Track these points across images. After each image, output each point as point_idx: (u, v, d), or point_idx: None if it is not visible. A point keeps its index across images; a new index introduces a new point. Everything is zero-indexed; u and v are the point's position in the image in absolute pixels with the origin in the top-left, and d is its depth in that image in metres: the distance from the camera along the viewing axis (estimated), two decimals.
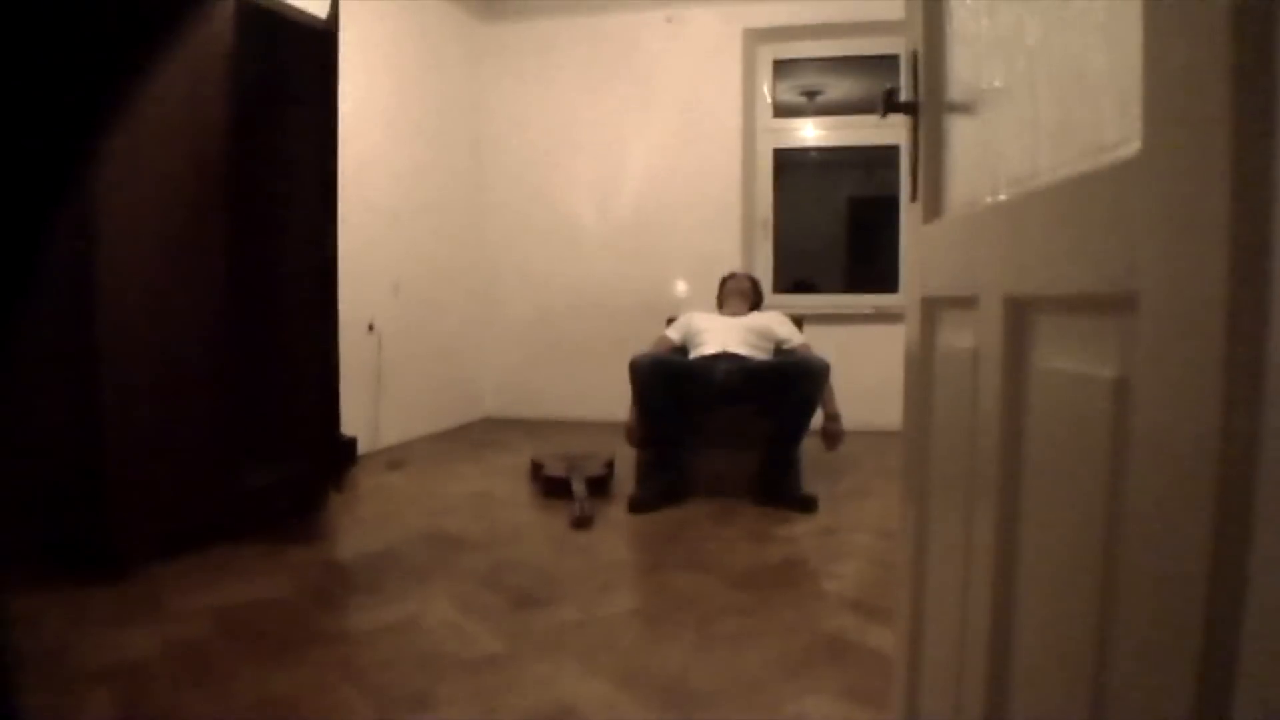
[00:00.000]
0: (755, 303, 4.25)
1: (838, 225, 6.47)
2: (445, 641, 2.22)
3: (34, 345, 2.78)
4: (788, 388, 3.55)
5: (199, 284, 2.93)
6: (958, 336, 1.09)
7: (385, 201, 4.73)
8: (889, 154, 5.36)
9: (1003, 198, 0.95)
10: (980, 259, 0.98)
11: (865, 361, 5.13)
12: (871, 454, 4.63)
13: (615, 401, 5.22)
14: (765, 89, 5.49)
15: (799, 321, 4.21)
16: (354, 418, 4.30)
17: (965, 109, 1.16)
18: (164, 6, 0.31)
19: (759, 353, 3.89)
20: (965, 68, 1.16)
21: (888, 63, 5.31)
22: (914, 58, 1.30)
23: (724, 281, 4.34)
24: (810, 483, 3.76)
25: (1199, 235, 0.51)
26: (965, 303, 1.03)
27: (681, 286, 5.52)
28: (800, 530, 3.30)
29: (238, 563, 2.84)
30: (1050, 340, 0.80)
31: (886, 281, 5.45)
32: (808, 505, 3.50)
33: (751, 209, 5.49)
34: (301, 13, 3.38)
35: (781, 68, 5.55)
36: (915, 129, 1.29)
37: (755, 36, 5.43)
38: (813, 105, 6.33)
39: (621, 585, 2.72)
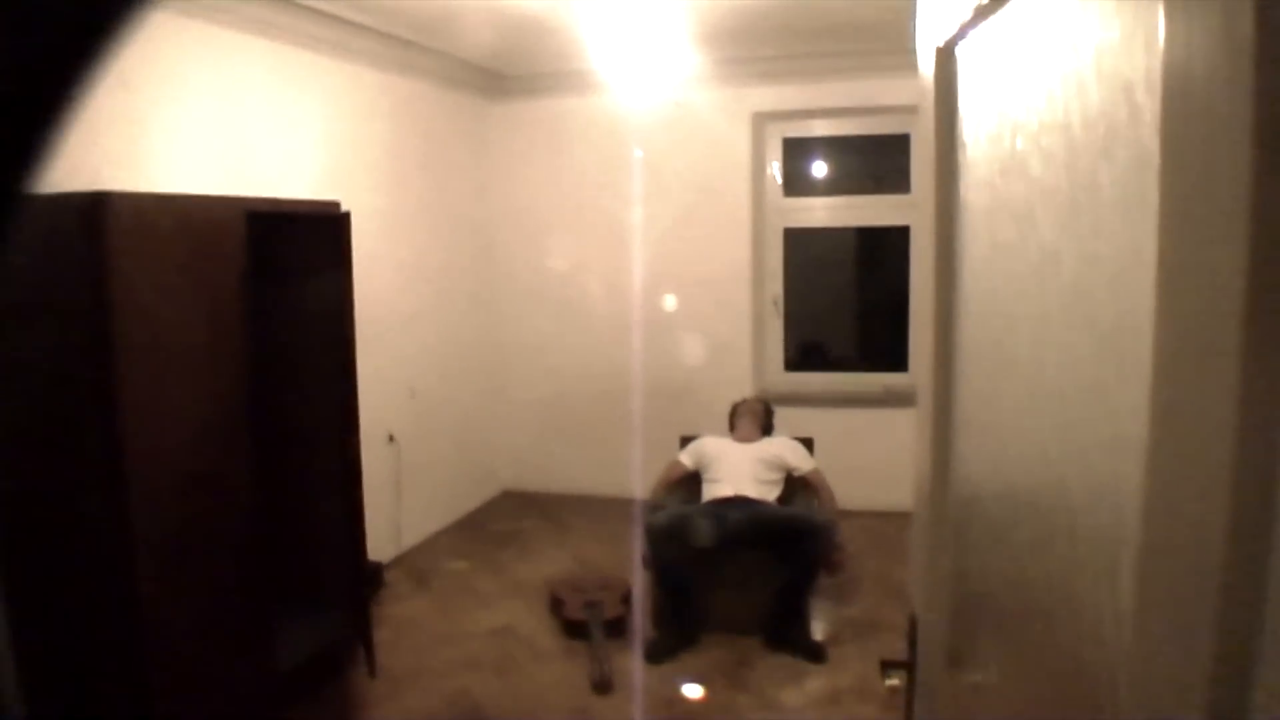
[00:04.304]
0: (766, 425, 4.36)
1: (848, 291, 6.44)
2: None
3: (67, 532, 2.93)
4: (797, 543, 3.69)
5: (225, 471, 3.05)
6: None
7: (397, 307, 4.81)
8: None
9: None
10: None
11: (875, 442, 5.25)
12: (879, 545, 4.77)
13: (626, 477, 5.40)
14: (774, 169, 5.49)
15: (809, 444, 4.33)
16: (376, 530, 4.43)
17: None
18: None
19: (770, 488, 4.03)
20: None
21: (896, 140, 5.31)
22: (912, 623, 1.40)
23: (736, 406, 4.45)
24: (818, 605, 3.95)
25: None
26: None
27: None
28: (809, 693, 3.48)
29: None
30: None
31: (897, 358, 5.52)
32: (816, 655, 3.67)
33: (761, 288, 5.55)
34: (311, 203, 3.47)
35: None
36: (910, 689, 1.40)
37: (764, 118, 5.42)
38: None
39: None
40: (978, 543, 1.23)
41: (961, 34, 1.22)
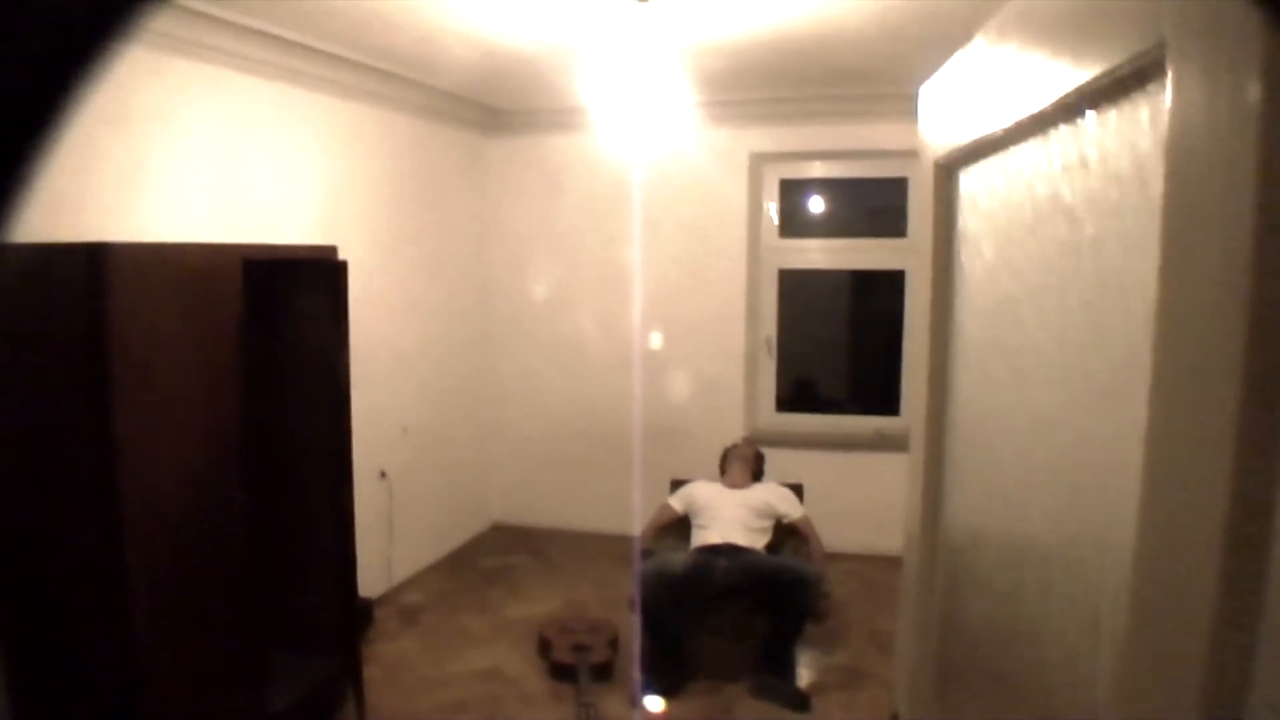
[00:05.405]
0: (757, 471, 4.38)
1: (841, 330, 6.45)
2: None
3: (61, 568, 2.93)
4: (784, 592, 3.71)
5: (219, 513, 3.05)
6: None
7: (392, 344, 4.82)
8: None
9: None
10: None
11: (864, 486, 5.27)
12: (866, 590, 4.79)
13: (615, 513, 5.41)
14: (771, 209, 5.53)
15: (799, 491, 4.35)
16: (367, 566, 4.43)
17: None
18: None
19: (759, 535, 4.04)
20: None
21: (893, 183, 5.36)
22: None
23: (728, 450, 4.47)
24: (804, 653, 3.98)
25: None
26: None
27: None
28: None
29: None
30: None
31: (889, 401, 5.55)
32: (801, 704, 3.67)
33: (755, 328, 5.58)
34: (308, 249, 3.49)
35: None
36: None
37: (761, 159, 5.46)
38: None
39: None
40: (968, 615, 1.25)
41: (962, 159, 1.25)
